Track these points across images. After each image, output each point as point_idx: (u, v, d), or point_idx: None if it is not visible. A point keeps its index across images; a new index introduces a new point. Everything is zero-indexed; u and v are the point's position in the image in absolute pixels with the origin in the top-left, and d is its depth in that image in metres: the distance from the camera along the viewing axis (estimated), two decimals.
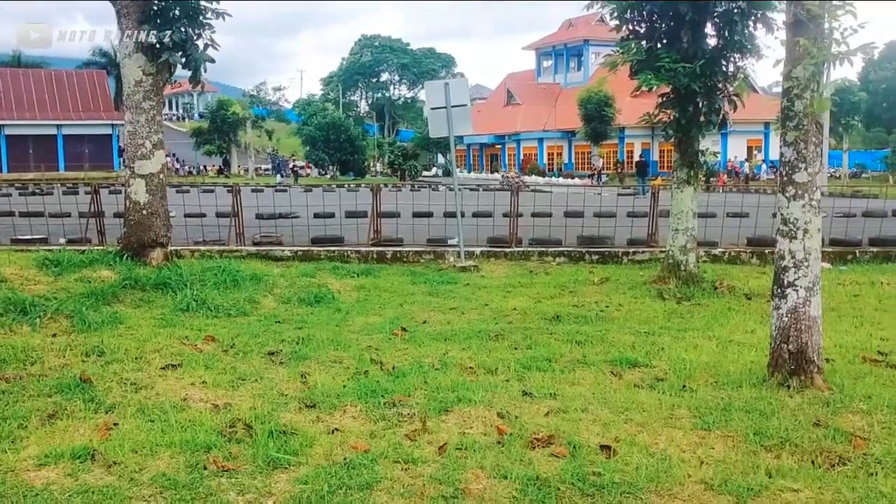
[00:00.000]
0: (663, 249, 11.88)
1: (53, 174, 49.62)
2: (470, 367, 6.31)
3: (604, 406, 5.31)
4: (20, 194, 26.33)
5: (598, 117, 51.53)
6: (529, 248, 13.83)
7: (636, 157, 47.37)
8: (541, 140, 63.70)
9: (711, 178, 41.58)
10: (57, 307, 7.87)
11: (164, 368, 6.13)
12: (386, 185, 32.55)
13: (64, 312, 7.79)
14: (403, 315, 8.84)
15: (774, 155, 36.60)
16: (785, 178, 5.88)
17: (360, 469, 4.18)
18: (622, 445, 4.57)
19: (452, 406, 5.26)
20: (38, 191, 28.42)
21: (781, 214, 5.90)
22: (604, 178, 49.86)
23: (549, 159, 63.16)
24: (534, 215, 16.70)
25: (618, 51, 11.49)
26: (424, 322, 8.43)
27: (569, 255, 13.51)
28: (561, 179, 50.96)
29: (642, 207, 16.69)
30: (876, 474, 4.20)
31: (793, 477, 4.16)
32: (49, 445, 4.43)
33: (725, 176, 45.99)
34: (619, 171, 50.65)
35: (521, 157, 64.97)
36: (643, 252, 13.54)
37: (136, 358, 6.41)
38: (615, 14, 11.23)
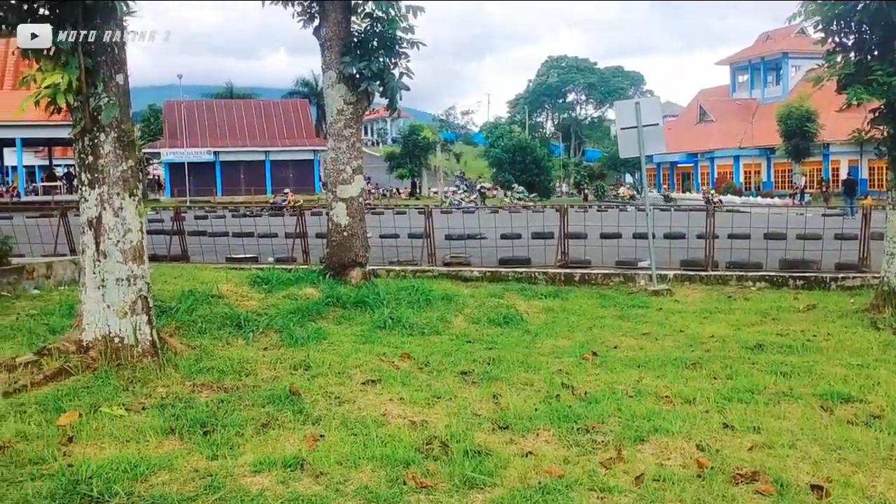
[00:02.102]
0: (876, 275, 10.99)
1: (261, 197, 53.48)
2: (666, 396, 6.12)
3: (813, 443, 4.98)
4: (233, 216, 28.58)
5: (799, 133, 48.73)
6: (727, 273, 13.24)
7: (843, 175, 44.17)
8: (737, 158, 61.04)
9: None
10: (268, 322, 8.47)
11: (364, 383, 6.42)
12: (572, 206, 32.37)
13: (273, 327, 8.36)
14: (593, 339, 8.74)
15: None
16: None
17: (556, 494, 4.17)
18: (835, 486, 4.26)
19: (648, 435, 5.13)
20: (248, 213, 30.71)
21: None
22: (807, 198, 46.85)
23: (745, 178, 60.34)
24: (730, 237, 15.95)
25: (822, 65, 10.86)
26: (615, 347, 8.28)
27: (770, 280, 12.79)
28: (759, 199, 48.47)
29: (851, 230, 15.54)
30: None
31: None
32: (263, 453, 4.76)
33: None
34: (824, 189, 47.42)
35: (716, 175, 62.47)
36: (854, 278, 12.58)
37: (338, 373, 6.76)
38: (820, 26, 10.61)
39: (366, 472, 4.51)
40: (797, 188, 48.66)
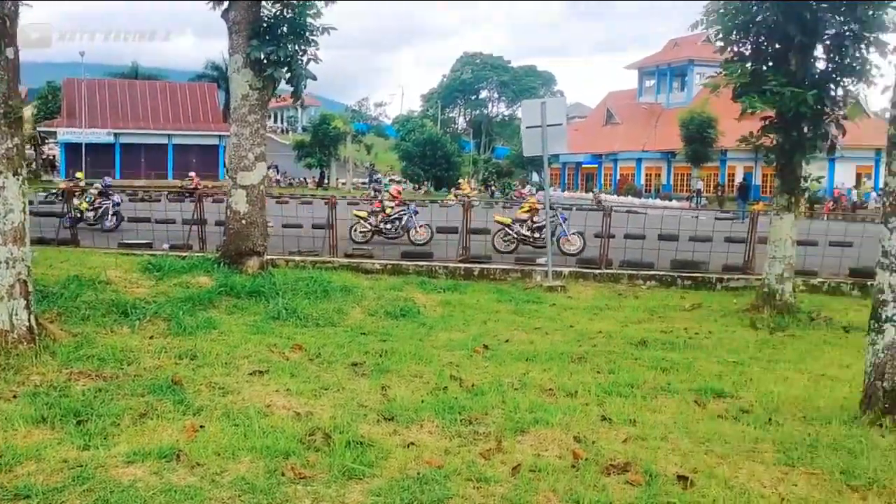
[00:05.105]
0: (759, 277, 11.54)
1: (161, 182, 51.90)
2: (550, 389, 6.28)
3: (685, 435, 5.19)
4: (129, 200, 27.60)
5: (699, 139, 50.39)
6: (619, 271, 13.65)
7: (738, 181, 46.05)
8: (639, 160, 62.71)
9: (816, 206, 40.00)
10: (156, 310, 8.25)
11: (251, 374, 6.34)
12: (478, 202, 32.66)
13: (162, 316, 8.15)
14: (487, 333, 8.87)
15: None
16: (888, 209, 5.66)
17: (433, 485, 4.22)
18: (700, 477, 4.46)
19: (529, 427, 5.25)
20: (146, 197, 29.75)
21: (882, 246, 5.67)
22: (703, 202, 48.63)
23: (646, 180, 62.10)
24: (626, 237, 16.42)
25: (721, 72, 11.29)
26: (507, 341, 8.44)
27: (660, 280, 13.25)
28: (658, 201, 50.01)
29: (740, 233, 16.22)
30: None
31: None
32: (138, 444, 4.65)
33: (832, 203, 44.14)
34: (720, 194, 49.34)
35: (618, 177, 64.10)
36: (738, 279, 13.16)
37: (225, 363, 6.65)
38: (720, 35, 11.04)
39: (244, 463, 4.46)
40: (694, 192, 50.43)
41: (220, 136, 59.45)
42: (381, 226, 18.03)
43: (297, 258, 13.47)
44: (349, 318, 9.31)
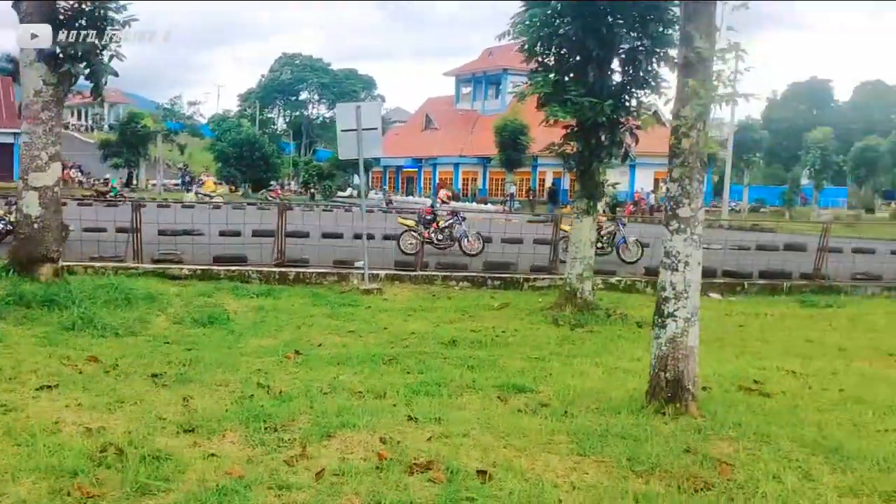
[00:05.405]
0: (563, 277, 12.13)
1: None
2: (359, 392, 6.30)
3: (486, 431, 5.37)
4: None
5: (512, 145, 52.28)
6: (434, 273, 13.91)
7: (548, 185, 48.26)
8: (457, 165, 64.22)
9: (618, 209, 42.76)
10: None
11: (38, 389, 5.90)
12: (298, 205, 32.22)
13: None
14: (300, 338, 8.76)
15: None
16: (669, 213, 6.11)
17: (233, 495, 4.11)
18: (499, 470, 4.63)
19: (336, 431, 5.23)
20: None
21: (665, 247, 6.12)
22: (516, 205, 50.61)
23: (464, 184, 63.73)
24: None
25: (527, 82, 11.76)
26: (320, 345, 8.38)
27: (472, 281, 13.64)
28: (474, 204, 51.46)
29: (549, 235, 16.98)
30: (735, 499, 4.37)
31: (659, 502, 4.30)
32: None
33: (632, 206, 47.26)
34: (531, 198, 51.55)
35: (437, 181, 65.37)
36: (544, 279, 13.79)
37: (9, 378, 6.16)
38: (526, 46, 11.49)
39: (26, 484, 4.15)
40: (508, 196, 52.40)
41: (15, 133, 54.91)
42: (433, 236, 17.23)
43: (98, 264, 12.68)
44: (152, 327, 8.90)
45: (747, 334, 9.95)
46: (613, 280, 13.88)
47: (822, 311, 12.22)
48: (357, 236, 16.34)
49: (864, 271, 15.57)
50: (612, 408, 6.00)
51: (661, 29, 10.78)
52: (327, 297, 11.72)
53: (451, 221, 17.78)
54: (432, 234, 17.37)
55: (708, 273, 14.39)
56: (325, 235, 16.86)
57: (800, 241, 17.74)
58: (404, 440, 5.11)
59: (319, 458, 4.76)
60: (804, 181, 59.57)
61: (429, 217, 17.94)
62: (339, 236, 16.86)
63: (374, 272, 13.28)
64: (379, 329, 9.48)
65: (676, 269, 5.99)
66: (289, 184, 72.28)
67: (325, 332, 9.22)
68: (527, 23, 11.15)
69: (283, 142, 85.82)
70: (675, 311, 5.97)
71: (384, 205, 45.76)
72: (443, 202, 19.91)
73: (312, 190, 59.80)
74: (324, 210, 32.76)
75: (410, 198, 61.12)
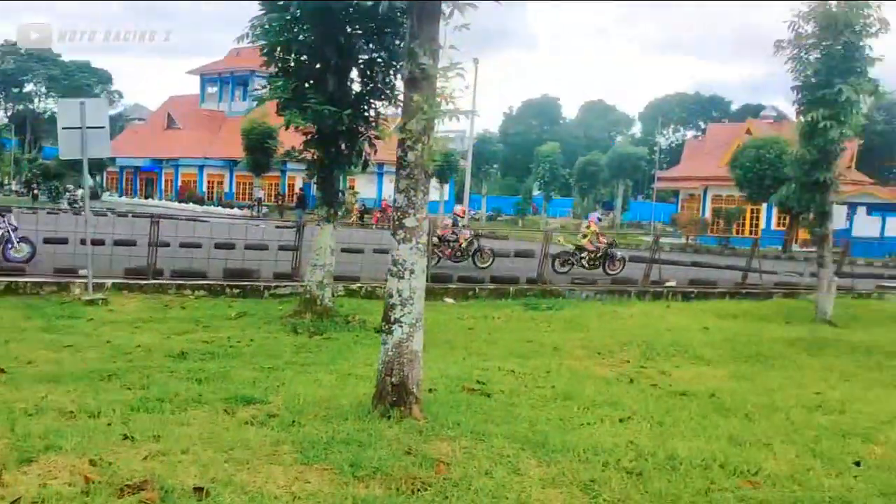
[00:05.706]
0: (304, 284, 12.10)
1: None
2: (70, 411, 5.84)
3: (208, 446, 5.20)
4: None
5: (260, 148, 51.28)
6: (168, 281, 13.27)
7: (297, 190, 47.93)
8: (201, 167, 61.86)
9: (366, 216, 43.51)
10: None
11: None
12: (19, 208, 29.32)
13: None
14: (6, 355, 7.96)
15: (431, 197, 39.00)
16: (396, 223, 6.30)
17: None
18: (218, 486, 4.50)
19: (38, 455, 4.81)
20: None
21: (392, 256, 6.29)
22: (264, 210, 49.72)
23: (209, 187, 61.51)
24: (182, 245, 16.08)
25: (266, 86, 11.60)
26: (30, 362, 7.68)
27: (209, 289, 13.19)
28: (220, 209, 49.88)
29: (294, 241, 16.82)
30: (450, 497, 4.59)
31: None
32: None
33: (379, 214, 48.27)
34: (280, 203, 50.88)
35: (180, 183, 62.51)
36: (286, 286, 13.67)
37: None
38: (265, 50, 11.31)
39: None
40: (255, 201, 51.32)
41: None
42: (452, 254, 17.67)
43: None
44: None
45: (476, 336, 10.53)
46: (355, 286, 14.07)
47: (543, 314, 13.23)
48: (83, 242, 15.22)
49: (581, 276, 17.12)
50: (341, 414, 6.06)
51: (397, 42, 11.08)
52: (44, 309, 10.79)
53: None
54: (454, 255, 18.45)
55: (444, 279, 15.13)
56: (48, 241, 15.50)
57: (528, 248, 19.12)
58: (117, 461, 4.81)
59: (16, 485, 4.35)
60: (536, 192, 64.07)
61: (451, 238, 18.69)
62: (64, 242, 15.56)
63: (100, 281, 12.40)
64: (101, 343, 8.87)
65: (402, 277, 6.19)
66: (9, 184, 65.48)
67: (39, 347, 8.48)
68: (266, 27, 11.00)
69: (4, 137, 77.63)
70: (400, 317, 6.15)
71: (65, 205, 42.74)
72: (459, 217, 20.68)
73: (36, 191, 54.54)
74: (48, 213, 30.11)
75: (150, 200, 57.91)
